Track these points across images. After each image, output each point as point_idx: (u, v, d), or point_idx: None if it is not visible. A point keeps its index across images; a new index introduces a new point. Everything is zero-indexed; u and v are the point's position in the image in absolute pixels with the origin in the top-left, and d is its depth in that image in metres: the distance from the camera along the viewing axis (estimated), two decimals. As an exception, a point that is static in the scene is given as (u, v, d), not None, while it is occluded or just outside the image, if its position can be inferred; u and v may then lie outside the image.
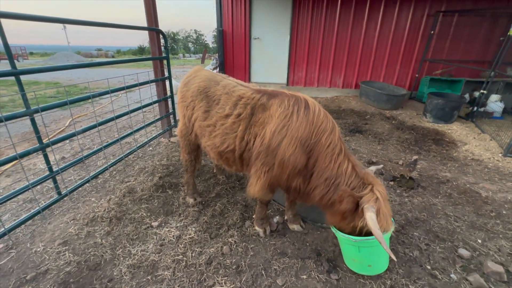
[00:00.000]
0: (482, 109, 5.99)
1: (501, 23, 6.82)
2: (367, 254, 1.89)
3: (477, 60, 7.29)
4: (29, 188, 2.22)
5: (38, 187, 3.05)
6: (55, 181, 2.48)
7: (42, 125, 5.14)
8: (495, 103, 6.00)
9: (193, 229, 2.46)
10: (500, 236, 2.44)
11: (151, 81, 3.77)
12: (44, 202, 2.54)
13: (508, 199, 3.00)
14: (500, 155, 4.19)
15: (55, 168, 2.49)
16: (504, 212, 2.78)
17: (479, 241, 2.37)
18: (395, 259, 1.61)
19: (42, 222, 2.52)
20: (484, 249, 2.27)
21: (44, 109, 2.24)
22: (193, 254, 2.17)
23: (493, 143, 4.67)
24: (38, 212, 2.35)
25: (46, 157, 2.37)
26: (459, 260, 2.14)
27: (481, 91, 5.63)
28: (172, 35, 62.17)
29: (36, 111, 2.17)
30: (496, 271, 2.00)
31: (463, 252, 2.21)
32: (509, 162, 3.98)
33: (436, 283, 1.95)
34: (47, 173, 2.44)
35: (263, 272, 2.02)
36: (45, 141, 2.35)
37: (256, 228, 2.43)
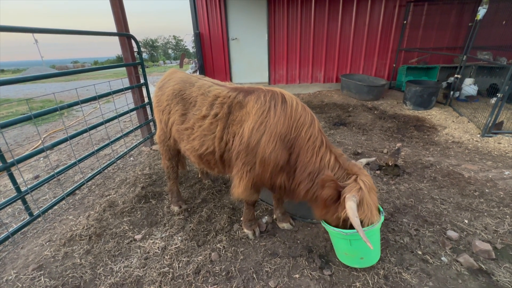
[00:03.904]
0: (457, 93, 6.19)
1: (468, 9, 7.08)
2: (359, 247, 1.84)
3: (449, 46, 7.54)
4: (-6, 212, 2.04)
5: (9, 209, 2.85)
6: (24, 202, 2.30)
7: (14, 143, 4.84)
8: (469, 86, 6.21)
9: (179, 238, 2.35)
10: (485, 214, 2.48)
11: (126, 89, 3.62)
12: (16, 225, 2.35)
13: (489, 177, 3.07)
14: (478, 135, 4.31)
15: (23, 188, 2.31)
16: (486, 190, 2.84)
17: (466, 221, 2.40)
18: (371, 248, 1.57)
19: (13, 247, 2.33)
20: (471, 229, 2.30)
21: (5, 125, 2.07)
22: (180, 265, 2.07)
23: (471, 124, 4.82)
24: (8, 237, 2.17)
25: (11, 176, 2.19)
26: (449, 242, 2.15)
27: (456, 75, 5.81)
28: (150, 43, 61.09)
29: (-4, 128, 2.00)
30: (484, 249, 2.01)
31: (452, 233, 2.23)
32: (487, 142, 4.10)
33: (428, 268, 1.94)
34: (15, 194, 2.26)
35: (254, 276, 1.94)
36: (9, 160, 2.17)
37: (245, 230, 2.35)
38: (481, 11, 4.96)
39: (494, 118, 4.17)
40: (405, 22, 7.22)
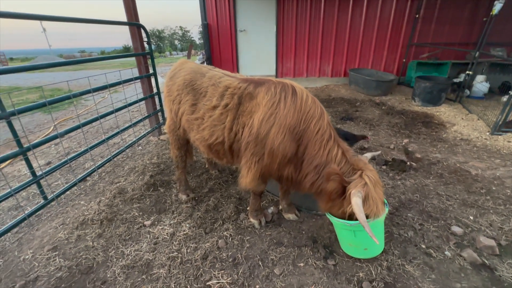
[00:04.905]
0: (467, 92, 6.09)
1: (483, 3, 6.88)
2: (363, 238, 1.88)
3: (462, 42, 7.36)
4: (12, 195, 2.13)
5: (24, 193, 2.95)
6: (39, 186, 2.39)
7: (24, 130, 4.96)
8: (481, 84, 6.08)
9: (187, 225, 2.42)
10: (491, 211, 2.48)
11: (136, 78, 3.66)
12: (31, 208, 2.45)
13: (497, 175, 3.06)
14: (488, 133, 4.26)
15: (38, 173, 2.39)
16: (493, 188, 2.83)
17: (471, 217, 2.41)
18: (377, 242, 1.61)
19: (29, 229, 2.43)
20: (476, 225, 2.31)
21: (21, 111, 2.13)
22: (188, 250, 2.14)
23: (480, 122, 4.75)
24: (24, 219, 2.26)
25: (27, 161, 2.27)
26: (453, 237, 2.17)
27: (467, 72, 5.70)
28: (157, 33, 60.79)
29: (13, 114, 2.06)
30: (488, 245, 2.03)
31: (456, 229, 2.24)
32: (496, 140, 4.05)
33: (431, 261, 1.97)
34: (30, 178, 2.34)
35: (260, 263, 2.00)
36: (25, 145, 2.25)
37: (251, 220, 2.41)
38: (497, 6, 4.82)
39: (505, 116, 4.10)
40: (417, 15, 7.05)
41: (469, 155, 3.64)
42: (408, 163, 3.32)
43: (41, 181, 2.46)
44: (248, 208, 2.53)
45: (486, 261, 1.95)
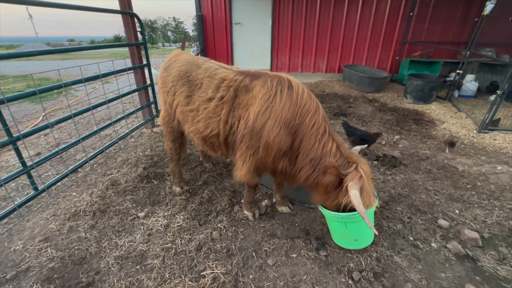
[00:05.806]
0: (456, 93, 6.23)
1: (475, 4, 7.00)
2: (353, 229, 1.94)
3: (453, 41, 7.50)
4: (1, 185, 2.08)
5: (13, 184, 2.89)
6: (30, 176, 2.34)
7: (13, 119, 4.82)
8: (470, 83, 6.24)
9: (181, 217, 2.42)
10: (475, 206, 2.59)
11: (129, 69, 3.59)
12: (20, 199, 2.40)
13: (482, 171, 3.17)
14: (475, 131, 4.40)
15: (29, 163, 2.34)
16: (479, 183, 2.94)
17: (457, 211, 2.51)
18: (376, 233, 1.67)
19: (19, 220, 2.39)
20: (461, 219, 2.41)
21: (10, 99, 2.07)
22: (183, 242, 2.15)
23: (468, 120, 4.89)
24: (14, 210, 2.22)
25: (17, 151, 2.21)
26: (439, 230, 2.26)
27: (457, 71, 5.83)
28: (149, 24, 59.27)
29: (2, 102, 2.01)
30: (472, 237, 2.13)
31: (442, 222, 2.33)
32: (483, 137, 4.19)
33: (418, 252, 2.05)
34: (20, 168, 2.29)
35: (253, 254, 2.04)
36: (15, 134, 2.19)
37: (245, 212, 2.43)
38: (489, 6, 4.91)
39: (492, 114, 4.24)
40: (411, 14, 7.12)
41: (456, 151, 3.76)
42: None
43: (31, 171, 2.41)
44: (242, 201, 2.55)
45: (469, 252, 2.04)
